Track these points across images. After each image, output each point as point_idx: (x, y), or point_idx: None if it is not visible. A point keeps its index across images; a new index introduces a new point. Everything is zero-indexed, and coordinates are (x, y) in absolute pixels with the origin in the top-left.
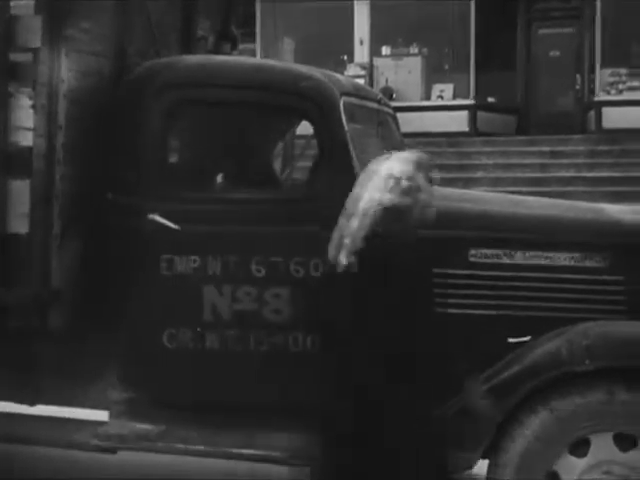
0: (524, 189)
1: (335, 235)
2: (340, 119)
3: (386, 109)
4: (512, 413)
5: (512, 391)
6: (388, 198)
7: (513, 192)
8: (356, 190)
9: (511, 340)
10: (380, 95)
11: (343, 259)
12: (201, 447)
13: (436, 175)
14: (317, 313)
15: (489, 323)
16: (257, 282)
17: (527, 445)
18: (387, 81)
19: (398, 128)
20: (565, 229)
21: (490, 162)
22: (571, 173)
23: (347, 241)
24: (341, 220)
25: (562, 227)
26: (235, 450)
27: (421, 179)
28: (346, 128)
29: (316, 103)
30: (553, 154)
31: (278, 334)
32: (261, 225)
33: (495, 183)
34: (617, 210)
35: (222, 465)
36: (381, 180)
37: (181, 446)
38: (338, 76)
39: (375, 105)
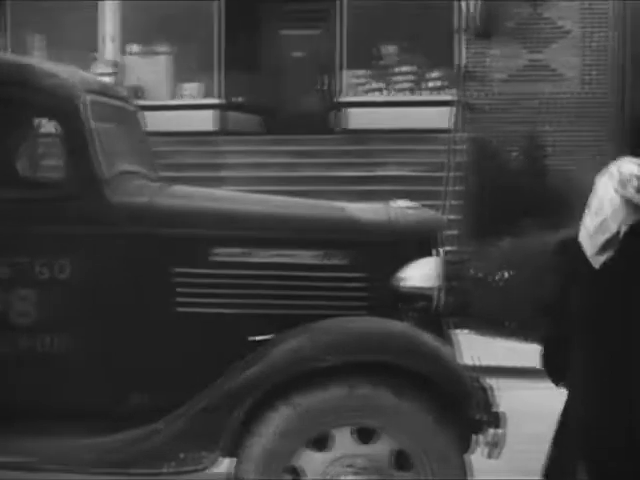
0: (272, 188)
1: (583, 234)
2: (82, 117)
3: (132, 108)
4: (255, 410)
5: (254, 389)
6: (631, 193)
7: (261, 191)
8: (600, 188)
9: (255, 338)
10: (126, 93)
11: (598, 256)
12: None
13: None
14: (69, 313)
15: (233, 322)
16: (2, 284)
17: (269, 441)
18: (137, 79)
19: (143, 127)
20: (307, 227)
21: (238, 161)
22: (317, 172)
23: (600, 237)
24: (587, 218)
25: (304, 225)
26: None
27: None
28: (89, 126)
29: (58, 100)
30: (300, 154)
31: (26, 336)
32: (4, 225)
33: (243, 182)
34: (357, 209)
35: None
36: (624, 178)
37: None
38: (83, 74)
39: (121, 103)
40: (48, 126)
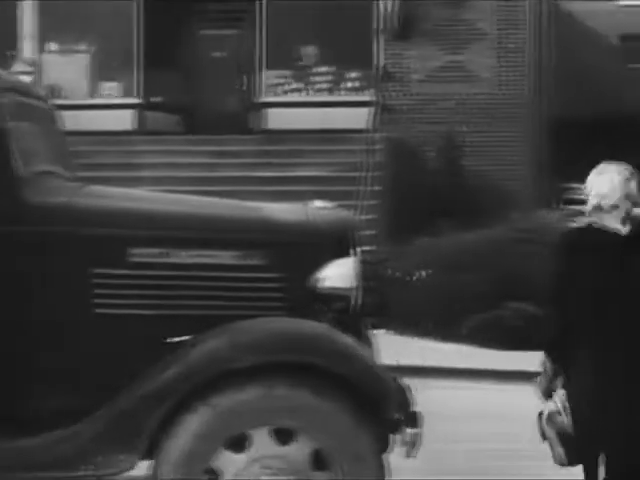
0: (191, 188)
1: (598, 218)
2: None
3: (49, 107)
4: (174, 412)
5: (173, 390)
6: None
7: (179, 192)
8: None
9: (174, 339)
10: (43, 92)
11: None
12: None
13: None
14: None
15: (152, 323)
16: None
17: (187, 443)
18: (55, 78)
19: (61, 126)
20: (226, 228)
21: (157, 161)
22: (237, 173)
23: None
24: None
25: (223, 226)
26: None
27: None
28: (6, 125)
29: None
30: (220, 154)
31: None
32: None
33: (162, 182)
34: (274, 209)
35: None
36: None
37: None
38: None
39: (38, 103)
40: None
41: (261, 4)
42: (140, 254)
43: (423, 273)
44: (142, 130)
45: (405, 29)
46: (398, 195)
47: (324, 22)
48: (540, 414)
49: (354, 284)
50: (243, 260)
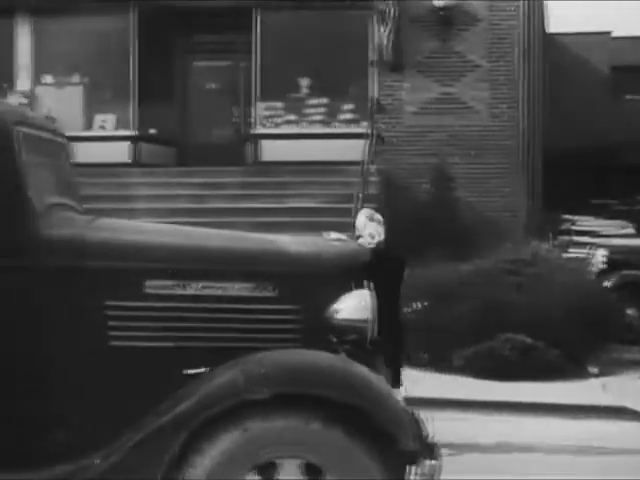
0: (183, 220)
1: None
2: (14, 149)
3: (59, 139)
4: (190, 442)
5: (189, 422)
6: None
7: (172, 223)
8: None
9: (188, 372)
10: (54, 124)
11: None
12: None
13: None
14: None
15: (167, 355)
16: None
17: (207, 472)
18: (49, 110)
19: (70, 158)
20: (237, 260)
21: (150, 193)
22: (228, 204)
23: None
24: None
25: (234, 258)
26: None
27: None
28: (21, 158)
29: None
30: (211, 185)
31: None
32: None
33: (155, 214)
34: (287, 241)
35: None
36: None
37: None
38: (11, 104)
39: (48, 135)
40: None
41: (256, 36)
42: (154, 286)
43: (416, 304)
44: (136, 162)
45: (398, 61)
46: (391, 226)
47: (319, 54)
48: None
49: (369, 316)
50: (257, 292)
